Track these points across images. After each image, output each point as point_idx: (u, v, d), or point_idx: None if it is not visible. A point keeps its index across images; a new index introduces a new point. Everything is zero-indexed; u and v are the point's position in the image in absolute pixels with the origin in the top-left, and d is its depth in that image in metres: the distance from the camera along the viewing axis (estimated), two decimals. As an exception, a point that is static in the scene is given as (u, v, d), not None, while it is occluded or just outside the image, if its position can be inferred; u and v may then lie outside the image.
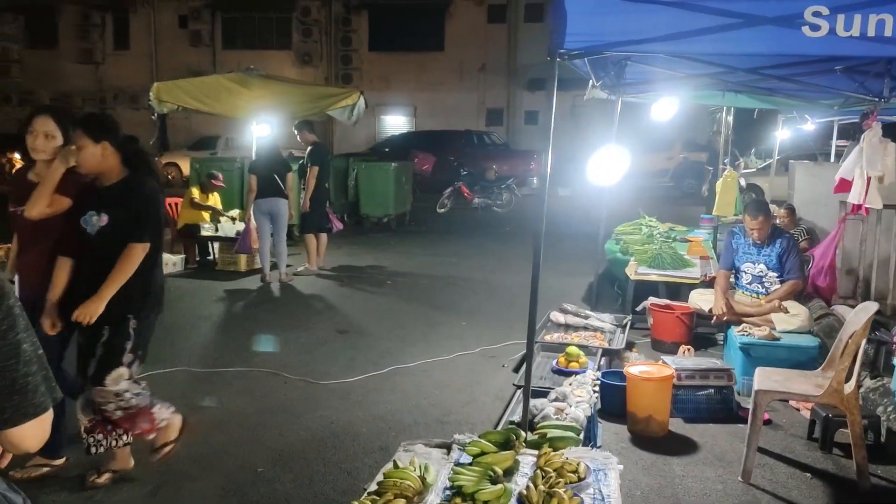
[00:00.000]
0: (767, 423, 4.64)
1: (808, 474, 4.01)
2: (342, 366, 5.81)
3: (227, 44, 26.86)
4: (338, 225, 9.95)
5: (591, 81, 7.05)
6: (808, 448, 4.36)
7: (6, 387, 1.47)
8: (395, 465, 3.18)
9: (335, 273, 9.59)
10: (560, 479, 3.03)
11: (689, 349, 5.66)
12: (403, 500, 2.87)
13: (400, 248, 11.79)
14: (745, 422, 4.71)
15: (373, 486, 3.08)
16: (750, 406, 4.34)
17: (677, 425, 4.68)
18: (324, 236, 9.63)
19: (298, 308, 7.81)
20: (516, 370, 5.70)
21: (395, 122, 27.09)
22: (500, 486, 2.96)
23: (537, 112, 26.41)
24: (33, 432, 1.51)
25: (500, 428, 4.02)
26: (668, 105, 7.42)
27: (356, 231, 12.85)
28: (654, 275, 6.90)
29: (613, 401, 4.74)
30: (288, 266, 9.06)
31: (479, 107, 26.82)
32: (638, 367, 4.76)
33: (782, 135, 12.38)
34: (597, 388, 4.50)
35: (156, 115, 10.04)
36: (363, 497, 2.94)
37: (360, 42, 26.71)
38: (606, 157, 5.31)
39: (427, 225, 14.74)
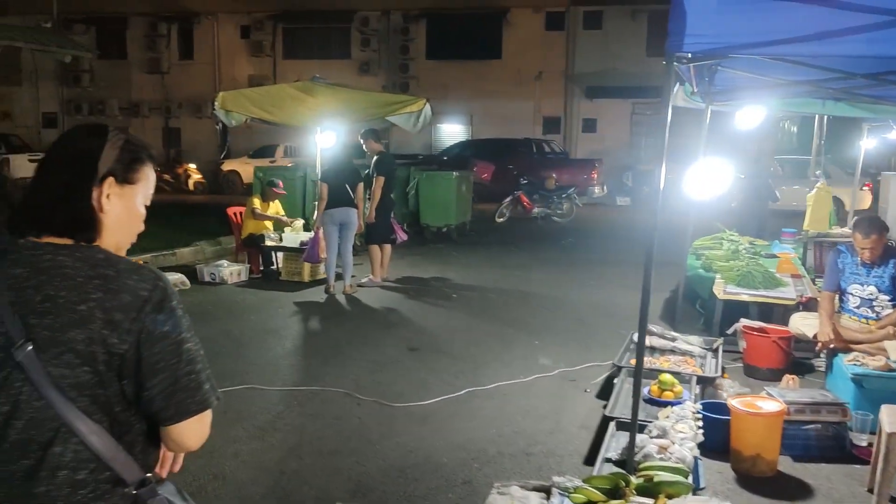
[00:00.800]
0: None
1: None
2: (416, 387, 5.56)
3: (288, 54, 27.14)
4: (402, 236, 9.75)
5: (676, 89, 6.70)
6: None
7: (170, 385, 1.51)
8: (494, 510, 2.90)
9: (400, 285, 9.38)
10: (681, 535, 2.70)
11: (793, 379, 5.22)
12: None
13: (463, 259, 11.53)
14: (861, 462, 4.29)
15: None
16: (876, 447, 3.93)
17: (785, 464, 4.27)
18: (388, 247, 9.45)
19: (366, 322, 7.61)
20: (601, 396, 5.36)
21: (452, 131, 26.92)
22: (613, 539, 2.65)
23: (595, 120, 25.93)
24: (195, 430, 1.55)
25: (597, 467, 3.70)
26: (753, 114, 6.99)
27: (417, 241, 12.62)
28: (745, 295, 6.46)
29: (714, 436, 4.35)
30: (352, 277, 8.89)
31: (535, 115, 26.45)
32: (741, 399, 4.37)
33: (867, 144, 11.69)
34: (700, 423, 4.13)
35: (220, 124, 10.04)
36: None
37: (417, 51, 26.67)
38: (705, 170, 4.93)
39: (487, 235, 14.45)
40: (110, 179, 1.56)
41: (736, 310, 6.52)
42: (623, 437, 4.07)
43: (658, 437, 3.91)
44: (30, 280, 1.48)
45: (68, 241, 1.53)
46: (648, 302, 3.54)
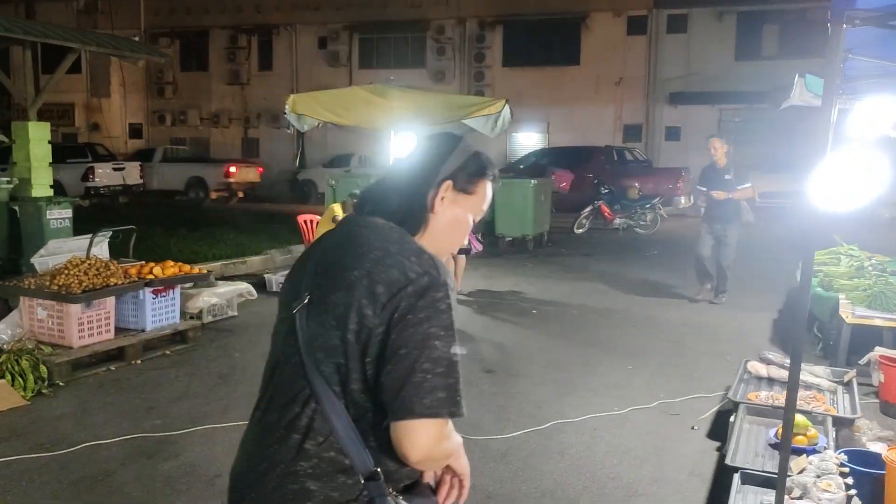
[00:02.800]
0: None
1: None
2: (494, 416, 4.91)
3: (364, 63, 27.08)
4: (477, 246, 9.13)
5: (797, 83, 5.89)
6: None
7: (401, 375, 1.42)
8: None
9: (474, 298, 8.76)
10: None
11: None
12: None
13: (540, 271, 10.82)
14: None
15: None
16: None
17: (958, 534, 3.41)
18: (462, 258, 8.82)
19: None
20: (711, 436, 4.59)
21: (528, 140, 26.20)
22: None
23: (679, 128, 24.74)
24: (416, 436, 1.42)
25: (725, 535, 2.97)
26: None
27: (491, 252, 11.97)
28: (878, 319, 5.54)
29: (862, 493, 3.54)
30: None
31: (615, 122, 25.45)
32: (898, 450, 3.54)
33: None
34: (849, 480, 3.33)
35: (291, 128, 9.73)
36: None
37: (493, 58, 26.13)
38: (840, 172, 4.11)
39: (566, 246, 13.68)
40: (448, 183, 1.61)
41: (864, 336, 5.61)
42: (752, 495, 3.32)
43: (799, 497, 3.15)
44: (335, 247, 1.57)
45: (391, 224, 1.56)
46: (802, 330, 2.78)
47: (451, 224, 1.63)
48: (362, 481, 1.46)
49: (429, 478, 1.69)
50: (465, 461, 1.72)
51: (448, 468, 1.68)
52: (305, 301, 1.51)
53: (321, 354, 1.47)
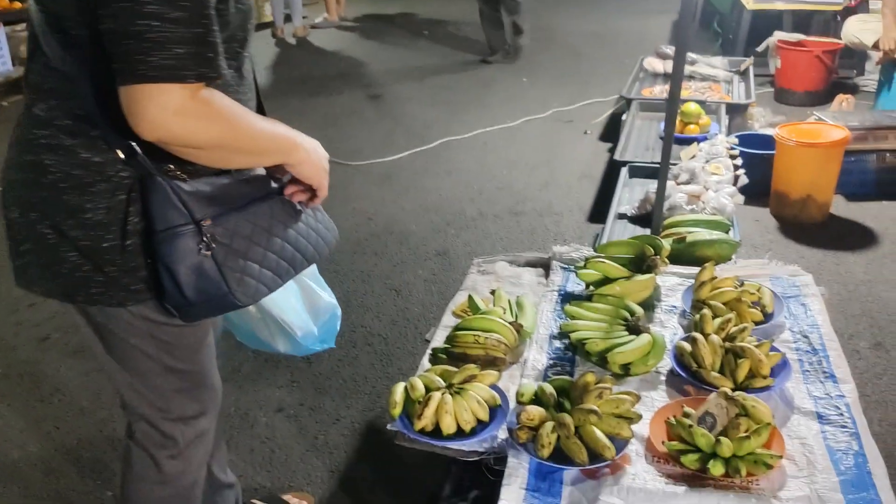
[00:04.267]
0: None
1: None
2: (379, 141, 4.54)
3: None
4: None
5: None
6: None
7: (121, 24, 0.98)
8: (471, 301, 2.04)
9: (359, 24, 7.97)
10: (742, 323, 1.86)
11: (847, 99, 4.22)
12: (495, 373, 1.75)
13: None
14: (931, 197, 3.44)
15: (438, 337, 1.97)
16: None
17: (838, 206, 3.42)
18: (343, -19, 7.89)
19: (319, 69, 6.37)
20: (605, 138, 4.39)
21: None
22: (644, 337, 1.81)
23: None
24: (140, 105, 1.00)
25: (607, 228, 2.82)
26: None
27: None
28: (780, 2, 5.21)
29: (750, 176, 3.45)
30: (304, 17, 7.48)
31: None
32: (788, 127, 3.40)
33: None
34: (738, 161, 3.19)
35: None
36: (424, 369, 1.81)
37: None
38: None
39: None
40: None
41: (765, 24, 5.32)
42: (639, 187, 3.16)
43: (686, 182, 3.00)
44: None
45: None
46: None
47: None
48: (120, 158, 1.10)
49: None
50: (310, 170, 1.27)
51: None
52: None
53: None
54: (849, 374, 1.72)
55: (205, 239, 1.12)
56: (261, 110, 1.33)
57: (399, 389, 1.68)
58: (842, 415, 1.60)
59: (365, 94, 5.53)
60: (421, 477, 1.96)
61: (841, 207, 3.40)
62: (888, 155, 3.49)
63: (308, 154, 1.26)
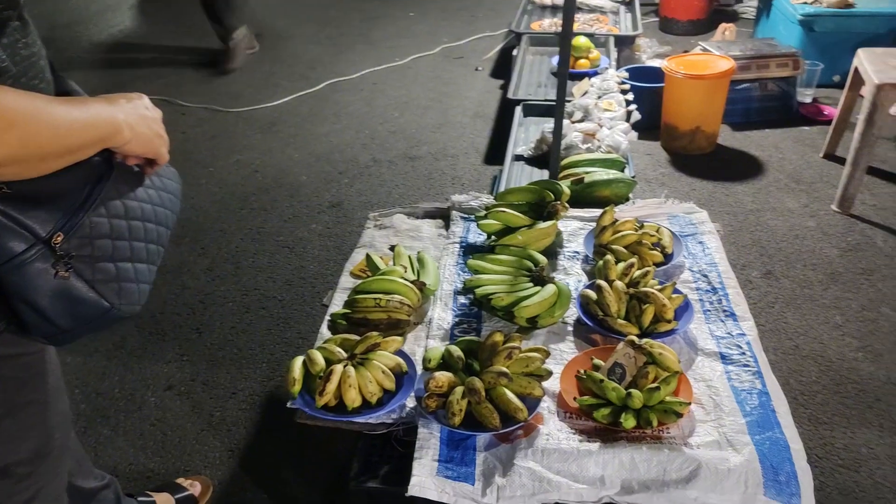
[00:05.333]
0: (824, 121, 3.50)
1: (923, 194, 2.96)
2: (260, 85, 4.25)
3: None
4: None
5: None
6: (901, 154, 3.27)
7: None
8: (370, 260, 1.93)
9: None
10: (645, 266, 1.84)
11: (730, 28, 4.27)
12: (399, 337, 1.66)
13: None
14: (809, 122, 3.58)
15: (337, 301, 1.85)
16: (843, 104, 3.15)
17: (725, 136, 3.50)
18: None
19: (189, 6, 5.86)
20: (496, 75, 4.29)
21: None
22: (549, 288, 1.76)
23: None
24: None
25: (505, 172, 2.75)
26: None
27: None
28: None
29: (641, 107, 3.45)
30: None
31: None
32: (676, 59, 3.41)
33: None
34: (630, 96, 3.17)
35: None
36: (324, 339, 1.69)
37: None
38: None
39: None
40: None
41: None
42: (534, 126, 3.10)
43: (580, 120, 2.95)
44: None
45: None
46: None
47: None
48: None
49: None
50: (140, 146, 1.03)
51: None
52: None
53: None
54: (748, 312, 1.73)
55: (60, 258, 0.91)
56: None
57: (297, 365, 1.56)
58: (744, 353, 1.61)
59: (242, 33, 5.15)
60: (329, 451, 1.87)
61: (728, 137, 3.47)
62: (770, 83, 3.57)
63: (133, 130, 1.03)
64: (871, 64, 2.82)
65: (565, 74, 2.27)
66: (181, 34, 5.12)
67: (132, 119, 1.01)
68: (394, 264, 1.91)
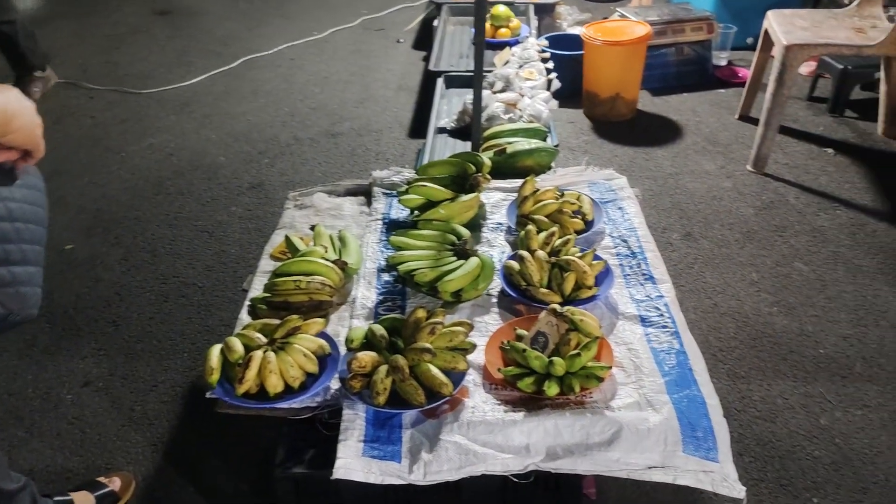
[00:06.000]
0: (739, 83, 3.60)
1: (830, 150, 3.07)
2: (172, 64, 4.09)
3: None
4: None
5: None
6: (812, 112, 3.39)
7: None
8: (289, 242, 1.88)
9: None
10: (566, 234, 1.85)
11: (644, -8, 4.32)
12: (321, 319, 1.62)
13: None
14: (724, 85, 3.67)
15: (257, 285, 1.80)
16: (755, 66, 3.23)
17: (644, 102, 3.55)
18: None
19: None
20: (419, 46, 4.23)
21: None
22: (472, 261, 1.76)
23: None
24: None
25: (428, 143, 2.72)
26: None
27: None
28: None
29: (560, 78, 3.47)
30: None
31: None
32: (594, 26, 3.43)
33: None
34: (550, 65, 3.17)
35: None
36: (243, 324, 1.64)
37: None
38: None
39: None
40: None
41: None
42: (456, 97, 3.07)
43: (502, 90, 2.94)
44: None
45: None
46: None
47: None
48: None
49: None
50: (22, 138, 0.96)
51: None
52: None
53: None
54: (666, 274, 1.77)
55: None
56: None
57: (214, 353, 1.51)
58: (662, 315, 1.64)
59: (150, 9, 4.93)
60: (256, 439, 1.83)
61: (647, 103, 3.52)
62: (686, 47, 3.63)
63: (17, 119, 0.96)
64: (779, 25, 2.90)
65: (481, 44, 2.25)
66: (85, 13, 4.86)
67: (13, 108, 0.95)
68: (314, 245, 1.87)
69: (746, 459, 1.75)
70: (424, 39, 4.23)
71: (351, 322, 1.68)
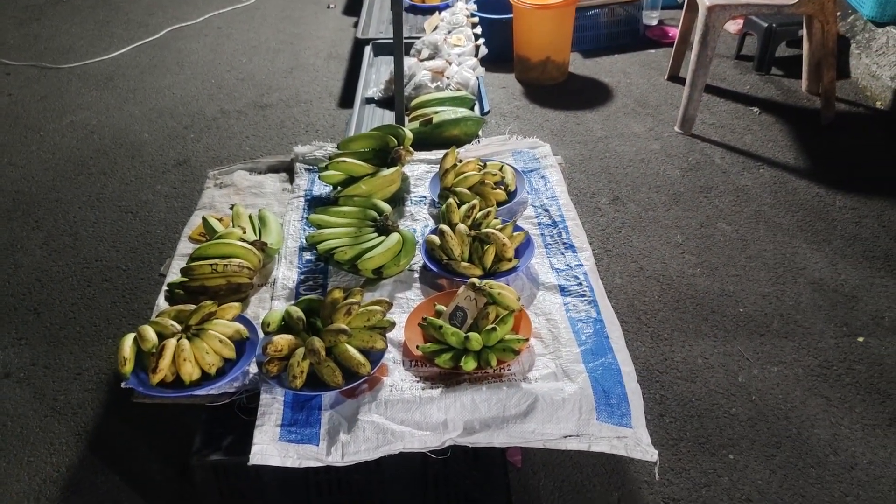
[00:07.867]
0: (669, 43, 3.62)
1: (756, 109, 3.12)
2: (94, 36, 3.92)
3: None
4: None
5: None
6: (739, 71, 3.43)
7: None
8: (206, 224, 1.84)
9: None
10: (487, 207, 1.85)
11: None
12: (237, 304, 1.60)
13: None
14: (657, 45, 3.69)
15: (175, 269, 1.77)
16: (682, 27, 3.25)
17: (576, 64, 3.55)
18: None
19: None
20: (349, 12, 4.14)
21: None
22: (393, 237, 1.75)
23: None
24: None
25: (354, 114, 2.68)
26: None
27: None
28: None
29: (492, 43, 3.44)
30: None
31: None
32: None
33: None
34: (478, 30, 3.14)
35: None
36: (160, 310, 1.61)
37: None
38: None
39: None
40: None
41: None
42: (385, 66, 3.02)
43: (429, 58, 2.91)
44: None
45: None
46: None
47: None
48: None
49: None
50: None
51: None
52: None
53: None
54: (586, 242, 1.79)
55: None
56: None
57: (127, 343, 1.49)
58: (580, 284, 1.67)
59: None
60: (181, 425, 1.82)
61: (579, 65, 3.52)
62: (616, 8, 3.63)
63: None
64: (702, -14, 2.91)
65: (400, 14, 2.21)
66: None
67: None
68: (233, 226, 1.84)
69: (667, 420, 1.81)
70: (356, 4, 4.13)
71: (272, 303, 1.66)
